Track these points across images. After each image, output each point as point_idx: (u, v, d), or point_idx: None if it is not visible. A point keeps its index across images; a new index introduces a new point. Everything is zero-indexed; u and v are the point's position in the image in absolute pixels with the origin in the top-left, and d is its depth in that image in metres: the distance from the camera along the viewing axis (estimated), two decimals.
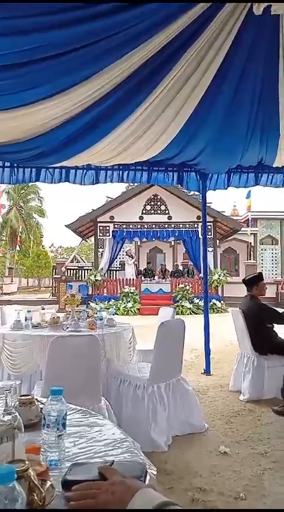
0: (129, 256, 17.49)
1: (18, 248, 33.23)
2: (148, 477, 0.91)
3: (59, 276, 16.72)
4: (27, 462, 0.83)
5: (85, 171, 4.95)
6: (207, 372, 5.25)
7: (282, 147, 4.40)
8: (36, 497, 0.78)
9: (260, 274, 4.67)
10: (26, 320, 3.44)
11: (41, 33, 2.47)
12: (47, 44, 2.56)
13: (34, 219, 36.65)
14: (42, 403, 1.31)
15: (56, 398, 1.01)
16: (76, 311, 3.72)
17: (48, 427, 1.00)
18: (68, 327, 3.35)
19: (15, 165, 4.73)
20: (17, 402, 1.28)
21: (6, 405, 1.11)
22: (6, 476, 0.62)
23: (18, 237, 32.95)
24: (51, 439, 0.99)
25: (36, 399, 1.32)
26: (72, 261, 21.77)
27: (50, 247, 37.23)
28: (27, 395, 1.33)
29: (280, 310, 4.48)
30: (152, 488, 0.78)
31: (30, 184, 29.40)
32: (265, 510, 2.16)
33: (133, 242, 20.07)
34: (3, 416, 1.07)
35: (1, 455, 0.88)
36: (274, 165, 4.93)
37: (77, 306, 3.88)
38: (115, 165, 4.87)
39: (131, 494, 0.73)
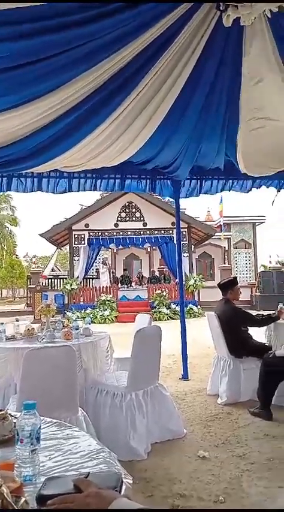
0: (103, 264, 17.45)
1: None
2: (124, 487, 0.91)
3: (34, 286, 16.45)
4: (0, 479, 0.82)
5: (58, 179, 4.92)
6: (185, 377, 5.28)
7: (240, 158, 4.53)
8: None
9: (235, 278, 4.77)
10: None
11: (8, 42, 2.46)
12: (14, 53, 2.56)
13: (7, 229, 35.94)
14: (15, 417, 1.29)
15: (29, 412, 1.00)
16: (52, 321, 3.68)
17: (22, 442, 0.98)
18: (43, 338, 3.30)
19: None
20: None
21: None
22: None
23: None
24: (25, 454, 0.98)
25: (9, 414, 1.30)
26: (53, 270, 21.48)
27: (24, 257, 36.57)
28: (0, 410, 1.30)
29: (254, 313, 4.58)
30: (127, 498, 0.79)
31: (0, 193, 28.90)
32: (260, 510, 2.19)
33: (109, 249, 20.03)
34: None
35: None
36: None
37: (53, 316, 3.83)
38: (88, 172, 4.86)
39: (106, 505, 0.73)
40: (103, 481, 0.89)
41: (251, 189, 5.46)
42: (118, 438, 2.83)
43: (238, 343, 4.28)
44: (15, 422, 1.25)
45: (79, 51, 2.71)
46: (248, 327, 4.40)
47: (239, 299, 4.67)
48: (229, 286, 4.55)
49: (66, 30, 2.52)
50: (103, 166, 4.59)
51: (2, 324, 3.43)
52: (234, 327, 4.30)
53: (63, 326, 3.71)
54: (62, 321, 3.84)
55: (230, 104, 3.69)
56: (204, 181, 5.39)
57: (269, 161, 4.67)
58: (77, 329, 3.53)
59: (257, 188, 5.50)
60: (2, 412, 1.28)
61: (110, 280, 17.14)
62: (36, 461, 0.99)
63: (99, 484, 0.85)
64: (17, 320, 3.83)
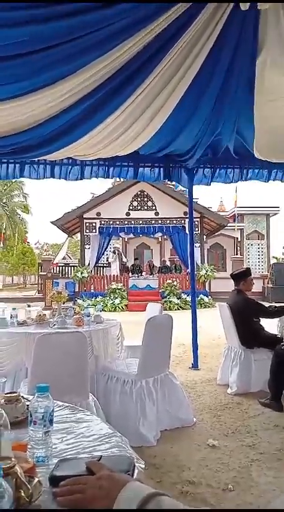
0: (113, 253, 17.49)
1: (2, 245, 32.79)
2: (136, 471, 0.91)
3: (45, 273, 16.58)
4: (13, 459, 0.82)
5: (70, 166, 4.91)
6: (195, 366, 5.28)
7: (257, 146, 4.44)
8: (23, 494, 0.77)
9: (248, 269, 4.71)
10: (11, 317, 3.40)
11: (22, 27, 2.43)
12: (29, 38, 2.52)
13: (18, 216, 36.20)
14: (28, 400, 1.30)
15: (43, 395, 1.00)
16: (63, 308, 3.70)
17: (35, 424, 0.98)
18: (54, 324, 3.33)
19: None
20: (3, 400, 1.26)
21: None
22: None
23: (2, 234, 32.51)
24: (38, 436, 0.98)
25: (22, 396, 1.31)
26: (64, 258, 21.61)
27: (35, 244, 36.82)
28: (13, 392, 1.31)
29: (267, 305, 4.53)
30: (139, 482, 0.78)
31: (13, 180, 29.07)
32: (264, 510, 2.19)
33: (120, 238, 20.03)
34: None
35: None
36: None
37: (64, 303, 3.85)
38: (101, 160, 4.84)
39: (118, 488, 0.73)
40: (116, 464, 0.89)
41: (267, 180, 5.35)
42: (128, 424, 2.85)
43: (249, 334, 4.26)
44: (27, 405, 1.26)
45: (90, 38, 2.66)
46: (260, 318, 4.37)
47: (252, 290, 4.63)
48: (242, 277, 4.51)
49: (78, 16, 2.48)
50: (116, 155, 4.55)
51: (14, 309, 3.46)
52: (246, 318, 4.27)
53: (75, 313, 3.73)
54: (73, 308, 3.86)
55: (246, 87, 3.60)
56: (218, 169, 5.31)
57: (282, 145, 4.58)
58: (88, 316, 3.54)
59: (273, 180, 5.39)
60: (15, 395, 1.29)
61: (120, 269, 17.16)
62: (49, 443, 1.00)
63: (111, 467, 0.85)
64: (29, 306, 3.86)
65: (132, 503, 0.67)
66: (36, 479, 0.84)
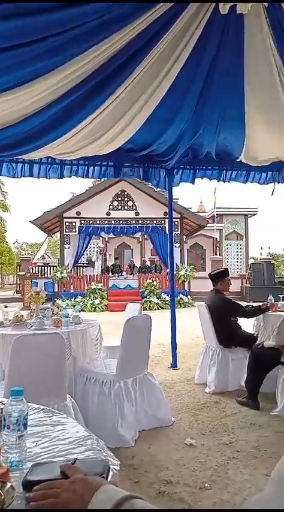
0: (99, 253, 17.43)
1: None
2: (110, 473, 0.91)
3: (24, 273, 16.35)
4: None
5: (49, 165, 4.84)
6: (174, 366, 5.32)
7: (248, 148, 4.52)
8: None
9: (226, 270, 4.78)
10: None
11: (6, 20, 2.38)
12: (13, 32, 2.47)
13: None
14: (2, 403, 1.28)
15: (17, 398, 0.99)
16: (41, 309, 3.66)
17: (9, 428, 0.97)
18: (32, 326, 3.28)
19: None
20: None
21: None
22: None
23: None
24: (11, 440, 0.97)
25: None
26: (43, 258, 21.34)
27: (13, 243, 36.19)
28: None
29: (244, 304, 4.60)
30: (114, 485, 0.78)
31: None
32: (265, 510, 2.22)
33: (101, 238, 19.94)
34: None
35: None
36: (237, 160, 5.05)
37: (42, 304, 3.81)
38: (81, 159, 4.80)
39: (92, 492, 0.72)
40: (90, 467, 0.89)
41: (246, 182, 5.45)
42: (106, 425, 2.85)
43: (227, 334, 4.31)
44: (1, 409, 1.24)
45: (68, 35, 2.63)
46: (238, 318, 4.43)
47: (230, 290, 4.69)
48: (219, 277, 4.56)
49: (59, 11, 2.45)
50: (95, 154, 4.53)
51: None
52: (224, 318, 4.33)
53: (53, 314, 3.69)
54: (51, 309, 3.82)
55: (231, 88, 3.65)
56: (197, 171, 5.36)
57: (272, 147, 4.67)
58: (67, 317, 3.51)
59: (251, 182, 5.49)
60: None
61: (102, 269, 17.10)
62: (23, 447, 0.98)
63: (86, 470, 0.85)
64: (6, 307, 3.80)
65: (106, 506, 0.67)
66: (9, 485, 0.83)
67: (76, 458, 0.94)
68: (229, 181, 5.41)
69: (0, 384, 2.77)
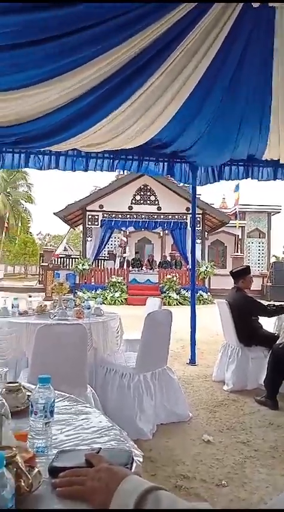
0: (119, 246, 17.50)
1: (4, 235, 32.78)
2: (134, 464, 0.92)
3: (47, 264, 16.61)
4: (14, 449, 0.83)
5: (75, 158, 4.90)
6: (192, 362, 5.31)
7: (271, 142, 4.43)
8: (23, 484, 0.78)
9: (248, 267, 4.72)
10: (12, 307, 3.41)
11: (34, 13, 2.41)
12: (41, 25, 2.50)
13: (22, 206, 36.16)
14: (29, 390, 1.31)
15: (44, 386, 1.01)
16: (64, 300, 3.71)
17: (36, 414, 0.99)
18: (55, 316, 3.34)
19: (4, 149, 4.64)
20: (4, 389, 1.28)
21: None
22: None
23: (6, 223, 32.48)
24: (38, 426, 0.99)
25: (23, 386, 1.32)
26: (65, 250, 21.64)
27: (37, 235, 36.84)
28: (15, 382, 1.32)
29: (265, 303, 4.54)
30: (138, 476, 0.79)
31: (18, 169, 28.93)
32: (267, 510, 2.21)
33: (122, 232, 20.02)
34: None
35: None
36: (263, 158, 4.96)
37: (64, 295, 3.86)
38: (106, 152, 4.82)
39: (117, 481, 0.74)
40: (115, 457, 0.90)
41: (275, 179, 5.33)
42: (125, 417, 2.87)
43: (247, 332, 4.27)
44: (28, 395, 1.27)
45: (99, 30, 2.64)
46: (259, 317, 4.38)
47: (251, 288, 4.64)
48: (241, 274, 4.52)
49: (89, 4, 2.45)
50: (122, 148, 4.54)
51: (16, 299, 3.47)
52: (245, 316, 4.29)
53: (75, 305, 3.74)
54: (73, 300, 3.87)
55: (257, 91, 3.58)
56: (223, 167, 5.29)
57: None
58: (89, 308, 3.56)
59: (280, 179, 5.37)
60: (16, 384, 1.30)
61: (120, 262, 17.18)
62: (49, 433, 1.01)
63: (110, 460, 0.86)
64: (30, 296, 3.86)
65: (131, 496, 0.68)
66: (36, 470, 0.86)
67: (100, 448, 0.96)
68: (255, 179, 5.31)
69: (24, 371, 2.84)
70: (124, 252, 17.72)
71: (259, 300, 4.53)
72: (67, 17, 2.50)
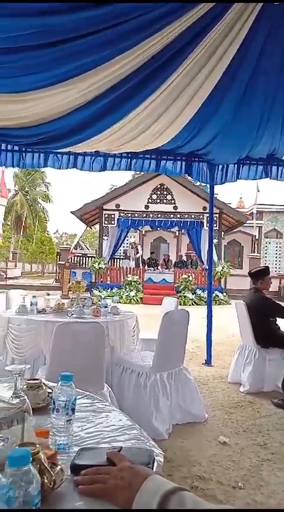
0: (132, 248, 17.52)
1: (22, 233, 33.27)
2: (155, 464, 0.92)
3: (63, 263, 16.76)
4: (37, 445, 0.84)
5: (93, 157, 4.93)
6: (208, 362, 5.28)
7: None
8: (46, 480, 0.79)
9: (267, 268, 4.66)
10: (31, 305, 3.46)
11: (53, 16, 2.43)
12: (61, 28, 2.52)
13: (39, 205, 36.62)
14: (49, 387, 1.33)
15: (66, 383, 1.02)
16: (81, 298, 3.74)
17: (58, 412, 1.01)
18: (72, 314, 3.37)
19: (24, 149, 4.71)
20: (25, 386, 1.29)
21: (15, 388, 1.12)
22: (22, 459, 0.63)
23: (23, 222, 32.96)
24: (60, 424, 1.01)
25: (44, 383, 1.34)
26: (75, 248, 21.80)
27: (54, 233, 37.20)
28: (36, 379, 1.34)
29: (283, 304, 4.48)
30: (160, 475, 0.79)
31: (36, 169, 29.27)
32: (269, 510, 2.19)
33: (138, 231, 20.03)
34: (12, 400, 1.08)
35: (12, 438, 0.89)
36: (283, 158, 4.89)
37: (81, 293, 3.89)
38: (124, 152, 4.83)
39: (140, 480, 0.74)
40: (136, 456, 0.90)
41: None
42: (141, 416, 2.87)
43: (265, 333, 4.22)
44: (49, 392, 1.29)
45: (116, 31, 2.64)
46: (277, 318, 4.33)
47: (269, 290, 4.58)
48: (260, 275, 4.46)
49: (113, 5, 2.46)
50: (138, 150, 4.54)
51: (34, 297, 3.52)
52: (263, 317, 4.24)
53: (92, 303, 3.76)
54: (91, 298, 3.90)
55: (278, 89, 3.53)
56: (241, 166, 5.24)
57: None
58: (106, 307, 3.57)
59: None
60: (37, 381, 1.32)
61: (135, 263, 17.19)
62: (70, 431, 1.02)
63: (131, 459, 0.86)
64: (48, 294, 3.91)
65: (155, 495, 0.68)
66: (59, 467, 0.87)
67: (122, 447, 0.96)
68: (274, 179, 5.24)
69: (41, 369, 2.87)
70: (137, 253, 17.73)
71: (277, 301, 4.46)
72: (87, 19, 2.52)
